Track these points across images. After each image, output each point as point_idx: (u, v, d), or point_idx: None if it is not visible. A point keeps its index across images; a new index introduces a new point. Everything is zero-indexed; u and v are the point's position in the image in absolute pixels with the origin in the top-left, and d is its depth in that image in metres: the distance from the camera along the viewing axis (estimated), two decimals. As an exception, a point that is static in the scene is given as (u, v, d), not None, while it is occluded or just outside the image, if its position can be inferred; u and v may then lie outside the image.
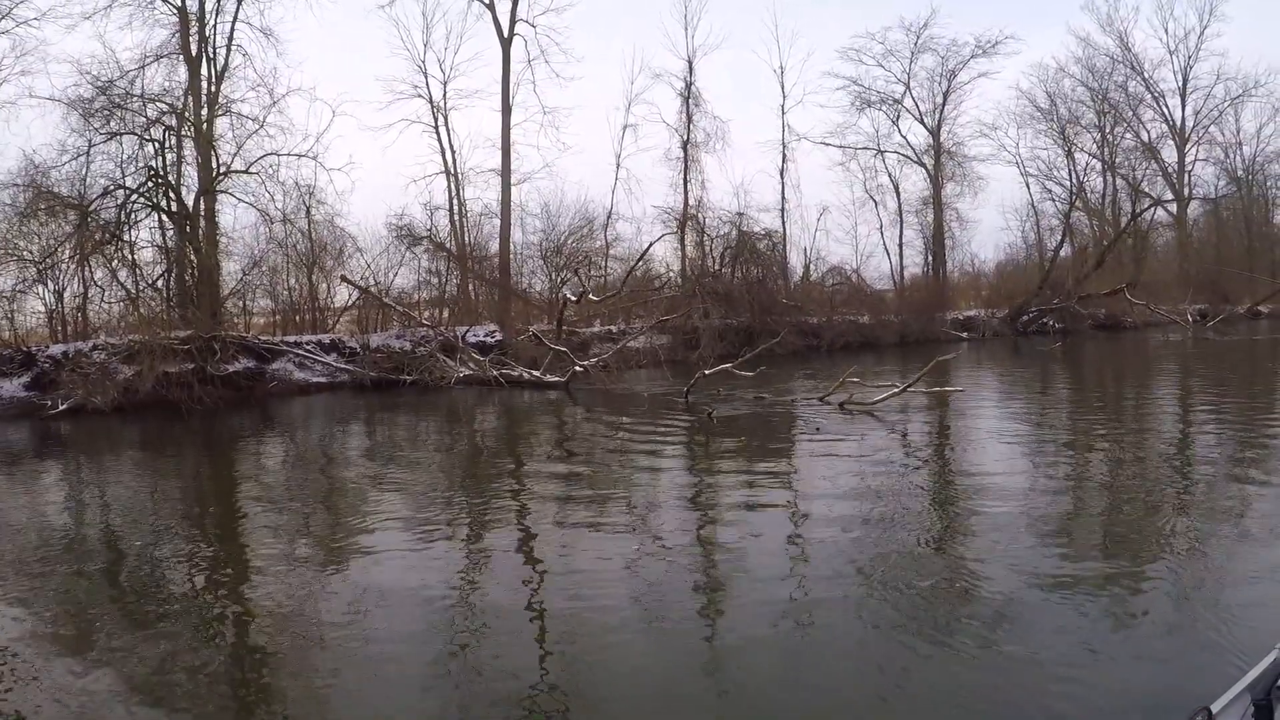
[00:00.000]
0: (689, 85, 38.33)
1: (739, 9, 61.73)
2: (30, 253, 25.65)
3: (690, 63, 38.48)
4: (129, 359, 22.46)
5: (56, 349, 23.77)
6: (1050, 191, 49.89)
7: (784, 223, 41.88)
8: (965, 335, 40.55)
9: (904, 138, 48.05)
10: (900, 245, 48.13)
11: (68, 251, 25.54)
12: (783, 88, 44.17)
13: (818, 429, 14.92)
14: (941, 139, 46.96)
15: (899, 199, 48.07)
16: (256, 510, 10.74)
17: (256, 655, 5.79)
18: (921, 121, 47.74)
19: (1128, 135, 50.34)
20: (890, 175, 48.20)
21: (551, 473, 12.25)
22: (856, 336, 36.06)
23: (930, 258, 48.87)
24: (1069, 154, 48.43)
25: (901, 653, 5.18)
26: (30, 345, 24.37)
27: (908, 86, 47.60)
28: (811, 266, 43.29)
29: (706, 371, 20.04)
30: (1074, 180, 48.38)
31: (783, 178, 43.00)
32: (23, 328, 26.38)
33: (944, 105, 47.25)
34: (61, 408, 21.28)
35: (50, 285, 26.55)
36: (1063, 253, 47.50)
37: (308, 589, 7.07)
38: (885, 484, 10.13)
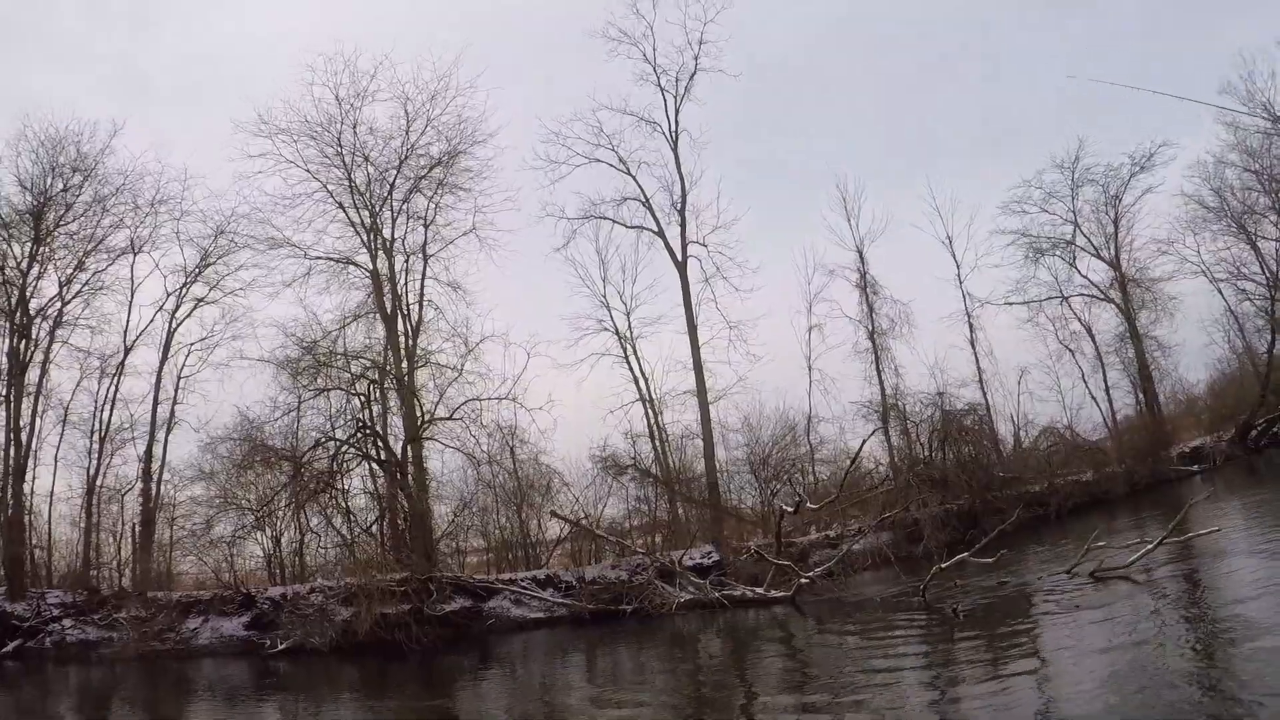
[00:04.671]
0: (863, 275, 38.47)
1: (894, 188, 62.53)
2: (248, 501, 28.13)
3: (860, 252, 38.77)
4: (346, 601, 23.41)
5: (275, 591, 25.35)
6: (1245, 290, 46.13)
7: (984, 393, 40.15)
8: (1196, 468, 37.24)
9: (1085, 277, 46.05)
10: (1107, 389, 45.17)
11: (284, 500, 27.47)
12: (954, 256, 43.47)
13: (1076, 606, 13.64)
14: (1123, 268, 44.89)
15: (1095, 342, 45.66)
16: None
17: None
18: (1098, 256, 45.82)
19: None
20: (1080, 320, 45.97)
21: (790, 704, 11.45)
22: (1083, 495, 33.48)
23: (1140, 395, 45.61)
24: (1253, 245, 45.00)
25: None
26: (249, 587, 26.04)
27: (1076, 224, 46.10)
28: (1022, 432, 40.98)
29: (943, 565, 18.92)
30: (1266, 271, 44.78)
31: (974, 348, 41.65)
32: (242, 570, 28.66)
33: (1116, 233, 45.17)
34: (280, 647, 22.46)
35: (268, 531, 29.03)
36: (1276, 350, 43.41)
37: None
38: (1179, 665, 8.93)
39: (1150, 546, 15.68)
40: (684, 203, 32.80)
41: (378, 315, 29.28)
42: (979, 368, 40.86)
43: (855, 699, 10.93)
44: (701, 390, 31.72)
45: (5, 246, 31.15)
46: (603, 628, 23.35)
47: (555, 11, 73.55)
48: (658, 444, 33.45)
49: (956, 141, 74.58)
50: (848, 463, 31.58)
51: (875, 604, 19.57)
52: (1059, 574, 16.99)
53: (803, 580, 23.26)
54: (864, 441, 32.80)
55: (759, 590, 23.80)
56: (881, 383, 36.90)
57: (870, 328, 37.76)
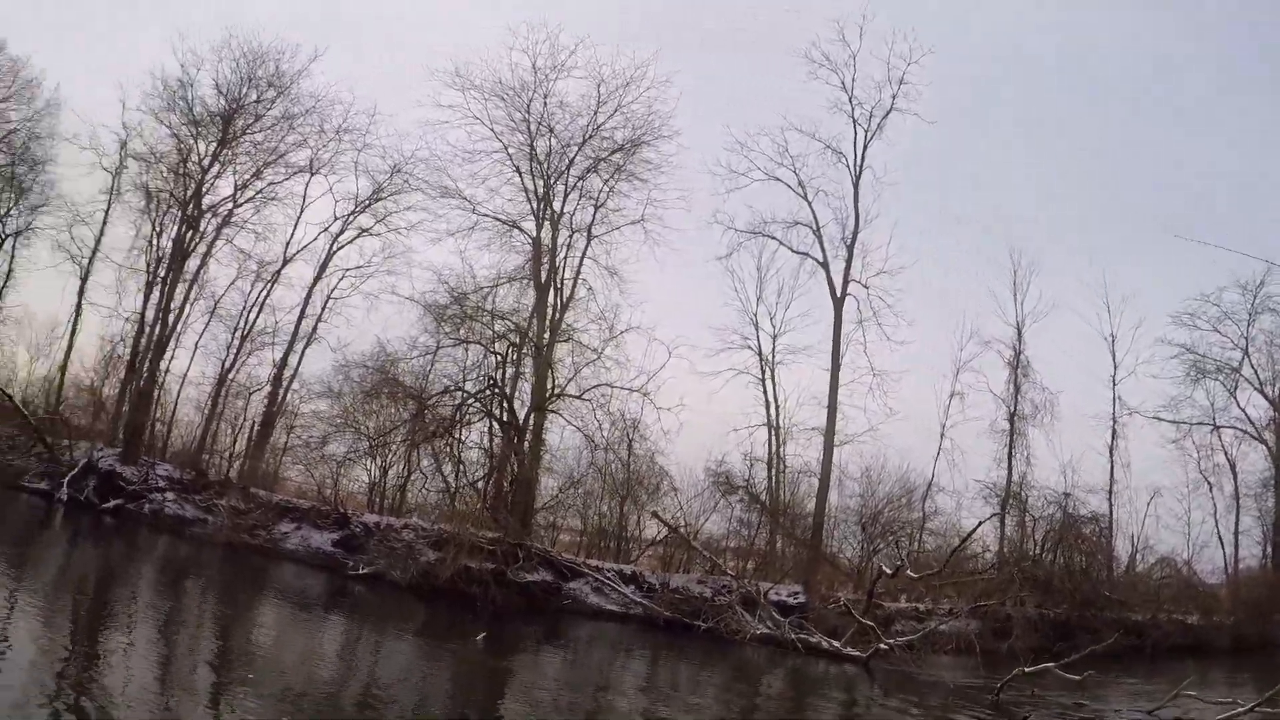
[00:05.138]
0: (1018, 354, 37.07)
1: (1067, 273, 60.04)
2: (366, 428, 28.87)
3: (1019, 330, 37.35)
4: (436, 545, 23.78)
5: (370, 518, 26.10)
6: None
7: (1111, 506, 38.13)
8: (1313, 641, 34.59)
9: (1242, 410, 43.35)
10: (1236, 534, 42.44)
11: (400, 435, 28.33)
12: (1114, 356, 41.39)
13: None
14: (1285, 412, 42.29)
15: (1236, 481, 43.05)
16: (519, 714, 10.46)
17: None
18: (1261, 391, 43.27)
19: None
20: (1227, 453, 43.29)
21: None
22: (1185, 637, 31.56)
23: (1270, 549, 42.87)
24: None
25: None
26: (347, 508, 26.87)
27: (1246, 352, 43.34)
28: (1138, 556, 38.94)
29: (1028, 669, 17.87)
30: None
31: (1112, 456, 39.59)
32: (343, 491, 29.53)
33: (1287, 372, 42.79)
34: (361, 571, 23.01)
35: (378, 460, 30.00)
36: None
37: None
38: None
39: (1241, 710, 14.48)
40: (854, 239, 32.25)
41: (531, 282, 29.76)
42: (1111, 477, 38.83)
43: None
44: (830, 431, 31.13)
45: (192, 142, 33.09)
46: (673, 637, 23.09)
47: (753, 22, 73.47)
48: (773, 473, 32.91)
49: (1148, 226, 71.18)
50: (957, 541, 30.77)
51: (947, 690, 18.65)
52: (1141, 712, 16.08)
53: (881, 646, 22.36)
54: (979, 525, 31.53)
55: (836, 644, 23.10)
56: (1010, 468, 35.50)
57: (1012, 409, 36.36)
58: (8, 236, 35.41)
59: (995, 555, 32.96)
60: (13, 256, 35.57)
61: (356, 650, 13.91)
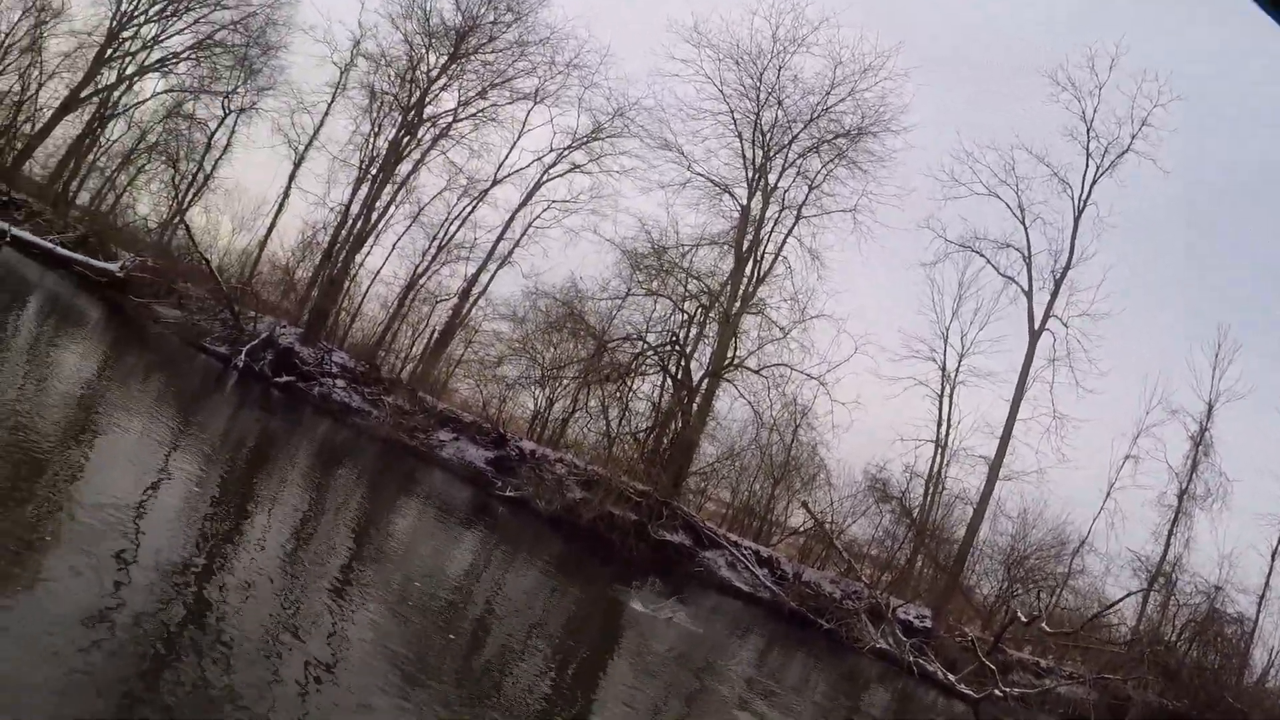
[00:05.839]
0: (1203, 431, 34.97)
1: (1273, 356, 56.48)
2: (542, 357, 29.86)
3: (1210, 407, 35.31)
4: (585, 485, 24.25)
5: (528, 444, 26.58)
6: None
7: (1259, 611, 35.90)
8: None
9: None
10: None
11: (574, 371, 29.16)
12: (1306, 460, 39.17)
13: None
14: None
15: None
16: (621, 674, 10.77)
17: None
18: None
19: None
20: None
21: None
22: (1291, 765, 29.84)
23: None
24: None
25: None
26: (507, 430, 27.37)
27: None
28: (1273, 670, 36.80)
29: None
30: None
31: (1273, 561, 37.51)
32: (507, 413, 30.26)
33: None
34: (507, 494, 23.70)
35: (546, 391, 30.54)
36: None
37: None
38: None
39: None
40: (1065, 274, 31.26)
41: (732, 250, 29.75)
42: (1267, 583, 36.54)
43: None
44: (997, 463, 30.35)
45: (423, 52, 34.04)
46: (792, 628, 23.11)
47: (997, 37, 71.38)
48: (930, 492, 32.27)
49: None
50: (1096, 606, 30.02)
51: None
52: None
53: (996, 692, 21.94)
54: (1125, 597, 30.64)
55: (951, 677, 22.63)
56: (1168, 546, 33.70)
57: (1184, 486, 34.51)
58: (231, 112, 37.62)
59: (1130, 630, 31.48)
60: (233, 131, 37.97)
61: (488, 565, 14.26)
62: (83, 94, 35.51)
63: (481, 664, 8.44)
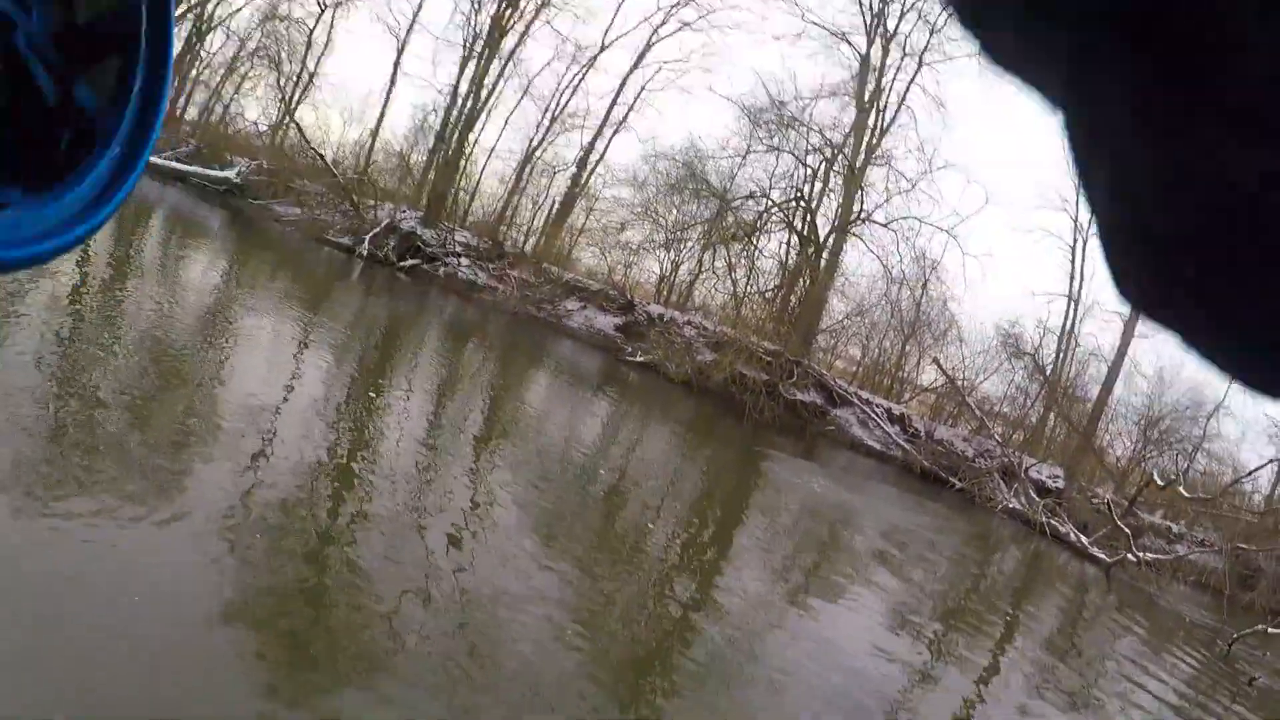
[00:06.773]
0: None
1: None
2: (665, 220, 30.01)
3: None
4: (714, 346, 24.36)
5: (655, 308, 26.78)
6: None
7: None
8: None
9: None
10: None
11: (698, 233, 29.21)
12: None
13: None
14: None
15: None
16: (756, 527, 10.82)
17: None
18: None
19: None
20: None
21: (1036, 659, 10.08)
22: None
23: None
24: None
25: None
26: (634, 296, 27.56)
27: None
28: None
29: (1271, 629, 16.19)
30: None
31: None
32: (632, 279, 30.27)
33: None
34: (637, 359, 23.98)
35: (671, 254, 30.74)
36: None
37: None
38: None
39: None
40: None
41: (853, 100, 28.80)
42: None
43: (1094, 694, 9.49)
44: (1134, 320, 28.96)
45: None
46: (924, 485, 22.97)
47: None
48: (1063, 349, 31.46)
49: None
50: (1231, 473, 29.31)
51: (1180, 621, 17.50)
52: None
53: (1129, 556, 21.30)
54: (1262, 466, 29.38)
55: (1084, 540, 22.26)
56: (1316, 416, 32.03)
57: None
58: (327, 7, 37.44)
59: (1264, 500, 30.84)
60: (331, 26, 37.87)
61: (621, 427, 14.49)
62: (178, 10, 35.55)
63: (620, 522, 8.71)
